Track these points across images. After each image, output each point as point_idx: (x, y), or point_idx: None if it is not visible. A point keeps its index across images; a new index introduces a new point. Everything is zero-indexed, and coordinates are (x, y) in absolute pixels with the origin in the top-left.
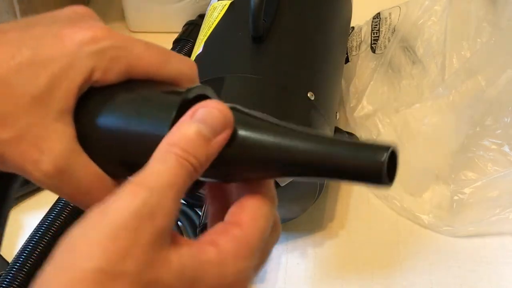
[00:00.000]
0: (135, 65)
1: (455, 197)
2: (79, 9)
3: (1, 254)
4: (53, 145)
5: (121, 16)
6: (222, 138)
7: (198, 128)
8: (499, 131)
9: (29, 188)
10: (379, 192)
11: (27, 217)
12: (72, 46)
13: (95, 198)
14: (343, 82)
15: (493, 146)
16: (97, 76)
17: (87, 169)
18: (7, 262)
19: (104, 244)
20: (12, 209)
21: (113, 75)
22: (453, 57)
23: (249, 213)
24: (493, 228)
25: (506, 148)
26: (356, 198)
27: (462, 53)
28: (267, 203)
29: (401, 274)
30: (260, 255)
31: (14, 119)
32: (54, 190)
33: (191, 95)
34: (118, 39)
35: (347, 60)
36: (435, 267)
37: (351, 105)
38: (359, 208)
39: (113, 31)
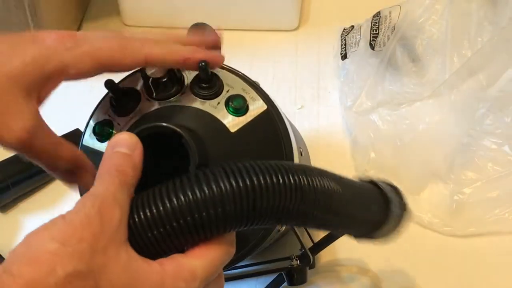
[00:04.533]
0: (99, 55)
1: (455, 197)
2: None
3: (1, 254)
4: (19, 120)
5: (117, 11)
6: (138, 152)
7: (118, 150)
8: (499, 131)
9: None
10: None
11: (27, 217)
12: (42, 43)
13: (58, 160)
14: (340, 78)
15: (493, 146)
16: (71, 70)
17: (49, 138)
18: None
19: (63, 231)
20: (12, 209)
21: (85, 67)
22: (454, 56)
23: (200, 249)
24: (493, 228)
25: (506, 148)
26: None
27: (463, 52)
28: (220, 251)
29: (401, 274)
30: None
31: None
32: (23, 152)
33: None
34: (80, 38)
35: (345, 56)
36: (434, 267)
37: (349, 100)
38: None
39: (76, 33)
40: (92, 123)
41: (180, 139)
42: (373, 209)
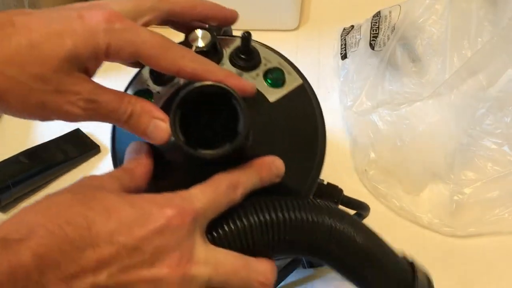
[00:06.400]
0: (141, 48)
1: (455, 197)
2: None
3: None
4: (80, 91)
5: None
6: (144, 153)
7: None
8: (499, 131)
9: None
10: (378, 192)
11: None
12: (91, 23)
13: (121, 111)
14: (340, 78)
15: (493, 146)
16: (112, 52)
17: (109, 94)
18: None
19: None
20: (12, 209)
21: (124, 54)
22: (454, 56)
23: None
24: (493, 228)
25: (506, 148)
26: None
27: (463, 52)
28: (223, 189)
29: None
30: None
31: (49, 77)
32: (89, 118)
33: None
34: (128, 24)
35: (345, 56)
36: (434, 267)
37: (349, 100)
38: None
39: (123, 17)
40: (130, 92)
41: (230, 100)
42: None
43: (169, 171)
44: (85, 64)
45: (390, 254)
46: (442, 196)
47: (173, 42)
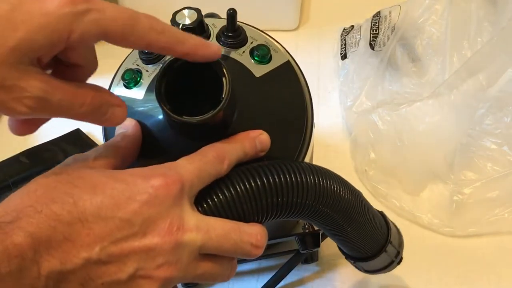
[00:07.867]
0: (106, 27)
1: (455, 197)
2: None
3: None
4: (28, 87)
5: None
6: (132, 129)
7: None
8: (499, 131)
9: None
10: (378, 192)
11: None
12: (51, 6)
13: (75, 107)
14: (340, 78)
15: (493, 146)
16: (74, 37)
17: (61, 91)
18: None
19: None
20: None
21: (89, 39)
22: (454, 56)
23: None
24: (493, 228)
25: (505, 148)
26: None
27: (463, 52)
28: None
29: (400, 274)
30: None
31: None
32: (40, 115)
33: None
34: (94, 3)
35: (345, 56)
36: (434, 267)
37: (349, 100)
38: None
39: None
40: (121, 71)
41: (213, 68)
42: (375, 236)
43: (159, 152)
44: (38, 54)
45: (370, 209)
46: (442, 196)
47: (140, 15)
